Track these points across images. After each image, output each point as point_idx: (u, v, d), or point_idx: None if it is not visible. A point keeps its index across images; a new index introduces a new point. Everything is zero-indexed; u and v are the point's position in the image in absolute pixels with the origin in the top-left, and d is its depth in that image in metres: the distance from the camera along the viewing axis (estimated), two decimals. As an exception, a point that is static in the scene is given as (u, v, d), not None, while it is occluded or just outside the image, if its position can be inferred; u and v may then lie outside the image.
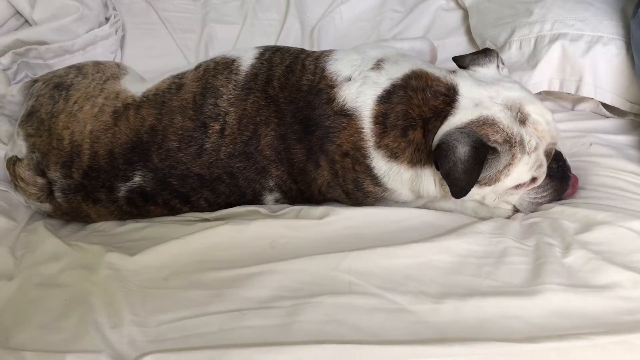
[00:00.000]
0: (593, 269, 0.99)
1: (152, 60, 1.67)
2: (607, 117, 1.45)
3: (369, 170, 1.20)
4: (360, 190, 1.23)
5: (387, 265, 1.03)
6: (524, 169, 1.13)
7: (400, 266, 1.02)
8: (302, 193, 1.27)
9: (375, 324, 0.93)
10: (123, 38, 1.74)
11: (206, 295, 1.00)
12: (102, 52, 1.62)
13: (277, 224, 1.15)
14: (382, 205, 1.24)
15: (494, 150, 1.09)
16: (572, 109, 1.51)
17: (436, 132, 1.12)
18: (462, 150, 1.06)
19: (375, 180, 1.20)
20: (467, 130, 1.09)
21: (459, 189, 1.08)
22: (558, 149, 1.22)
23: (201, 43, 1.74)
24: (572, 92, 1.41)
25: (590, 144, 1.34)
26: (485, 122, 1.10)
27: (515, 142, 1.10)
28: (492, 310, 0.93)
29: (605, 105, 1.44)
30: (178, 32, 1.76)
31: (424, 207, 1.26)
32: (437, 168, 1.11)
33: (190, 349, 0.90)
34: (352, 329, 0.92)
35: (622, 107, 1.39)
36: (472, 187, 1.09)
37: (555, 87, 1.43)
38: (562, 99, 1.51)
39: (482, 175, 1.10)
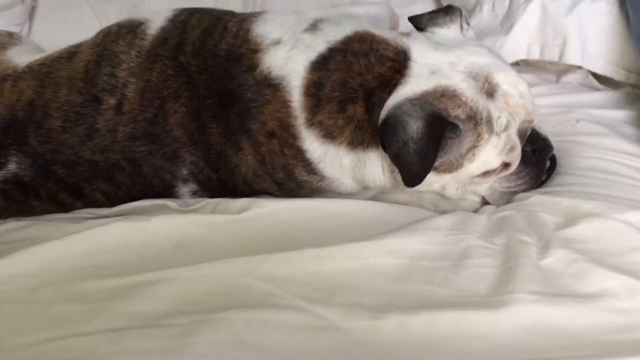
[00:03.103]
0: (578, 273, 0.85)
1: (67, 34, 1.44)
2: (598, 89, 1.30)
3: (300, 155, 1.03)
4: (292, 179, 1.06)
5: (317, 271, 0.88)
6: (493, 153, 0.97)
7: (333, 272, 0.88)
8: (224, 184, 1.10)
9: (294, 345, 0.77)
10: (34, 9, 1.58)
11: (82, 310, 0.83)
12: (4, 25, 1.43)
13: (186, 221, 0.98)
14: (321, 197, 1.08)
15: (455, 128, 0.94)
16: (557, 83, 1.36)
17: (382, 106, 0.96)
18: (415, 126, 0.91)
19: (308, 166, 1.03)
20: (421, 102, 0.94)
21: (412, 175, 0.93)
22: (537, 128, 1.06)
23: (124, 14, 1.56)
24: (555, 59, 1.26)
25: (577, 121, 1.19)
26: (444, 94, 0.94)
27: (481, 119, 0.95)
28: (447, 326, 0.79)
29: (596, 76, 1.29)
30: (98, 1, 1.60)
31: (374, 199, 1.10)
32: (385, 149, 0.95)
33: (42, 383, 0.72)
34: (264, 352, 0.76)
35: (615, 77, 1.24)
36: (428, 172, 0.93)
37: (535, 55, 1.28)
38: (545, 71, 1.35)
39: (441, 159, 0.96)
